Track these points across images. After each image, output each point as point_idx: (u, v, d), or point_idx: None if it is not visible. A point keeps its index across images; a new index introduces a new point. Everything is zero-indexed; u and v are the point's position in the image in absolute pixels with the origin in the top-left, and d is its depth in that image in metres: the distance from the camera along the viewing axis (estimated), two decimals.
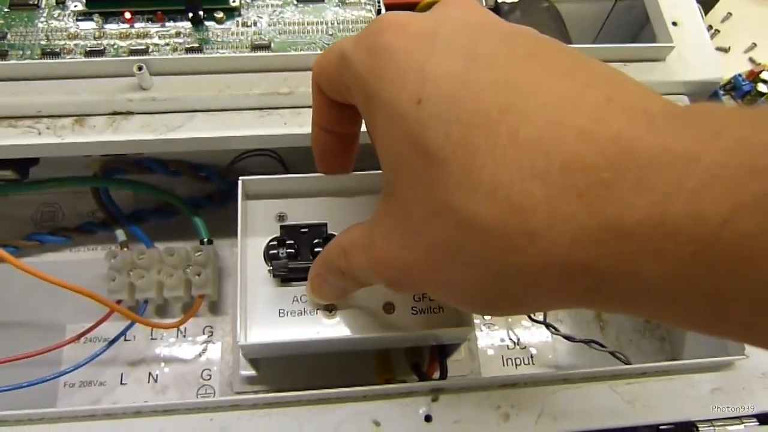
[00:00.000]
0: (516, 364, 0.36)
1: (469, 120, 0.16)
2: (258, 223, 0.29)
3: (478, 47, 0.17)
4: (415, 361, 0.32)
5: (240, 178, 0.29)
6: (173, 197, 0.36)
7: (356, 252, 0.22)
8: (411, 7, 0.37)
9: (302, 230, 0.29)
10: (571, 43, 0.36)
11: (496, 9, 0.36)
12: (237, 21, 0.34)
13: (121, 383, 0.34)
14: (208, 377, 0.34)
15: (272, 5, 0.35)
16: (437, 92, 0.17)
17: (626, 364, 0.32)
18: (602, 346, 0.32)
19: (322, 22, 0.34)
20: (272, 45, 0.33)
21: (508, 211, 0.15)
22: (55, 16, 0.33)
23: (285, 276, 0.28)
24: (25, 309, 0.35)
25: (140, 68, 0.30)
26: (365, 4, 0.35)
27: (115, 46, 0.33)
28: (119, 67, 0.30)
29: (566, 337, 0.33)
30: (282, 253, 0.28)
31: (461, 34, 0.18)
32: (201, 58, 0.31)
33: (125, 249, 0.35)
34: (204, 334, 0.35)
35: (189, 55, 0.31)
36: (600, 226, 0.14)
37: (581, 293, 0.16)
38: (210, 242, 0.35)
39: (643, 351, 0.37)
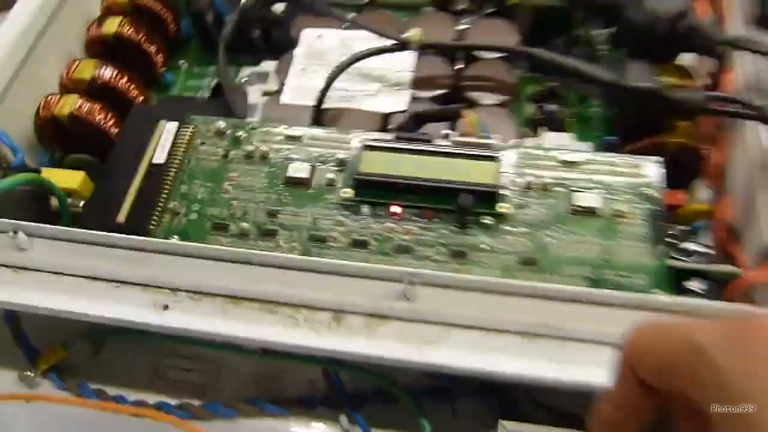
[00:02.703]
0: None
1: None
2: None
3: None
4: None
5: (500, 420, 0.27)
6: (396, 388, 0.35)
7: None
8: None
9: None
10: None
11: None
12: (504, 229, 0.32)
13: None
14: None
15: (540, 214, 0.33)
16: None
17: None
18: None
19: (594, 243, 0.32)
20: (538, 262, 0.31)
21: None
22: (325, 199, 0.34)
23: None
24: None
25: (411, 283, 0.29)
26: (638, 225, 0.33)
27: (379, 239, 0.32)
28: (386, 273, 0.30)
29: None
30: None
31: None
32: (472, 280, 0.29)
33: None
34: None
35: (459, 276, 0.30)
36: None
37: None
38: None
39: None
